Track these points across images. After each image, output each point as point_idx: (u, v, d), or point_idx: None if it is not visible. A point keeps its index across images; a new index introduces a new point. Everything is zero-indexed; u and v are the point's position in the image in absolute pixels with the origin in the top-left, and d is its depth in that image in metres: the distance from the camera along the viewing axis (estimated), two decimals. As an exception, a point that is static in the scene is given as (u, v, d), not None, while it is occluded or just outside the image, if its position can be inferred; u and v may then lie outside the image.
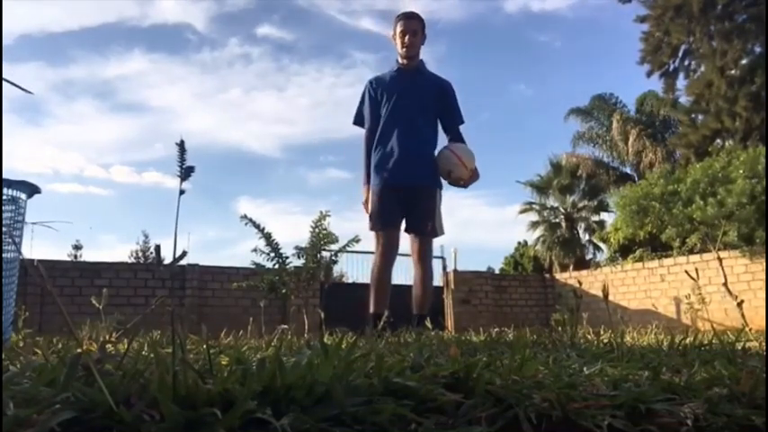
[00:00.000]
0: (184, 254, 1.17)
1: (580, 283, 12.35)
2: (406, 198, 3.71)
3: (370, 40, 33.02)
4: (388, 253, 3.74)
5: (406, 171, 3.65)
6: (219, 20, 34.37)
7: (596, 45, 36.06)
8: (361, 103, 3.91)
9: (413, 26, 3.77)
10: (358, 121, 3.92)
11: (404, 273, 8.88)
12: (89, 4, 33.51)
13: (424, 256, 3.80)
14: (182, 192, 1.06)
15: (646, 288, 12.22)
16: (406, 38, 3.74)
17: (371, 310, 3.66)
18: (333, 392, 0.70)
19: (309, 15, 34.52)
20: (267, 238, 5.13)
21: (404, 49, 3.76)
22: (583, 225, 21.13)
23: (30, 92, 0.97)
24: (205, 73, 34.41)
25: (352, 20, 35.92)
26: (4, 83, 0.94)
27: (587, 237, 21.07)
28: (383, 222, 3.72)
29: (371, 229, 3.80)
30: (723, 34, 16.17)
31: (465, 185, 3.73)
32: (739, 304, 2.13)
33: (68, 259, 16.78)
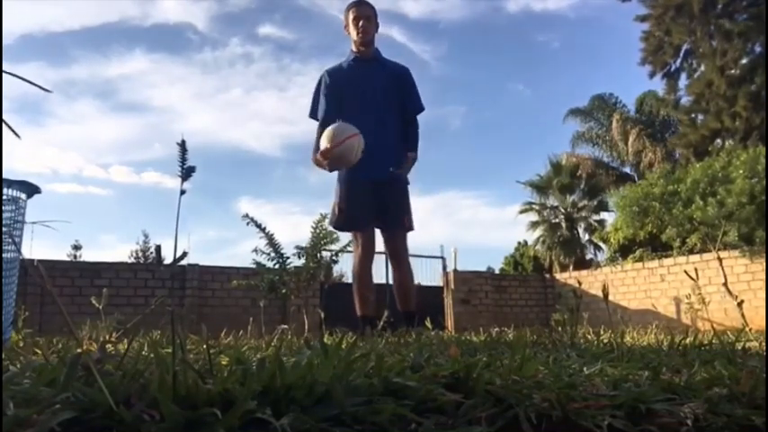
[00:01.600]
0: (185, 254, 1.17)
1: (580, 283, 12.35)
2: (377, 193, 3.58)
3: (371, 39, 32.92)
4: (368, 253, 3.64)
5: (375, 165, 3.49)
6: (221, 19, 34.34)
7: (596, 45, 36.04)
8: (316, 95, 3.75)
9: (365, 12, 3.63)
10: (313, 113, 3.75)
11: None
12: (90, 4, 33.44)
13: (401, 252, 3.69)
14: (182, 192, 1.06)
15: (646, 288, 12.22)
16: (360, 23, 3.59)
17: (360, 313, 3.58)
18: (333, 392, 0.70)
19: (311, 15, 34.50)
20: (269, 238, 5.13)
21: (359, 36, 3.60)
22: (583, 225, 21.13)
23: (41, 86, 0.96)
24: (206, 73, 34.37)
25: (352, 19, 35.78)
26: (5, 77, 0.94)
27: (587, 237, 21.08)
28: (359, 223, 3.62)
29: (333, 224, 3.71)
30: (723, 34, 16.18)
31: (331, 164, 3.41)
32: (739, 304, 2.13)
33: (68, 259, 16.78)
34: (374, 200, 3.59)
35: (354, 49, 3.70)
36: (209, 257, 20.36)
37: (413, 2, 32.83)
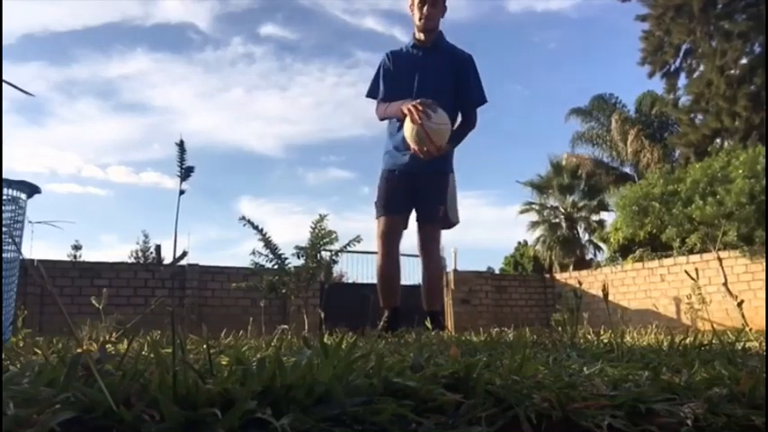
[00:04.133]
0: (185, 254, 1.18)
1: (580, 283, 12.35)
2: (414, 186, 3.49)
3: (374, 39, 33.02)
4: (386, 241, 3.52)
5: (414, 157, 3.36)
6: (223, 19, 34.39)
7: (597, 45, 36.08)
8: (376, 76, 3.67)
9: None
10: (372, 93, 3.67)
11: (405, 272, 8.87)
12: (92, 4, 33.51)
13: (431, 247, 3.57)
14: (182, 192, 1.06)
15: (646, 288, 12.22)
16: (425, 8, 3.39)
17: (381, 305, 3.54)
18: (333, 392, 0.70)
19: (312, 15, 34.56)
20: (266, 240, 5.12)
21: (421, 21, 3.43)
22: (583, 225, 21.14)
23: (30, 94, 0.97)
24: (208, 72, 34.40)
25: (355, 19, 35.97)
26: (4, 84, 0.94)
27: (587, 237, 21.10)
28: (383, 208, 3.54)
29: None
30: (723, 34, 16.18)
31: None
32: (739, 304, 2.13)
33: (68, 259, 16.76)
34: (410, 193, 3.51)
35: (415, 33, 3.56)
36: (209, 257, 20.40)
37: (414, 1, 32.78)
